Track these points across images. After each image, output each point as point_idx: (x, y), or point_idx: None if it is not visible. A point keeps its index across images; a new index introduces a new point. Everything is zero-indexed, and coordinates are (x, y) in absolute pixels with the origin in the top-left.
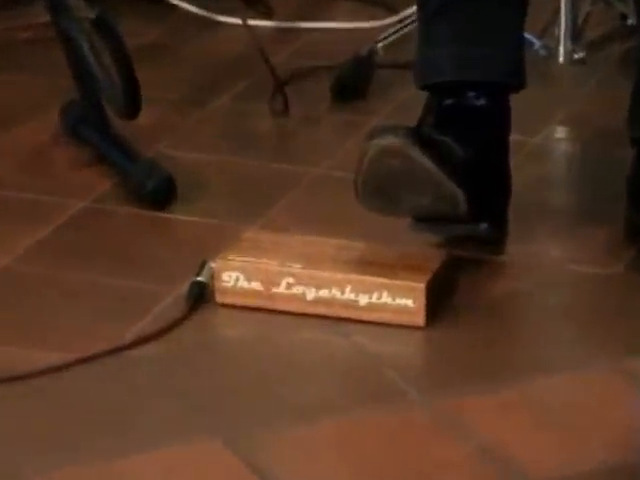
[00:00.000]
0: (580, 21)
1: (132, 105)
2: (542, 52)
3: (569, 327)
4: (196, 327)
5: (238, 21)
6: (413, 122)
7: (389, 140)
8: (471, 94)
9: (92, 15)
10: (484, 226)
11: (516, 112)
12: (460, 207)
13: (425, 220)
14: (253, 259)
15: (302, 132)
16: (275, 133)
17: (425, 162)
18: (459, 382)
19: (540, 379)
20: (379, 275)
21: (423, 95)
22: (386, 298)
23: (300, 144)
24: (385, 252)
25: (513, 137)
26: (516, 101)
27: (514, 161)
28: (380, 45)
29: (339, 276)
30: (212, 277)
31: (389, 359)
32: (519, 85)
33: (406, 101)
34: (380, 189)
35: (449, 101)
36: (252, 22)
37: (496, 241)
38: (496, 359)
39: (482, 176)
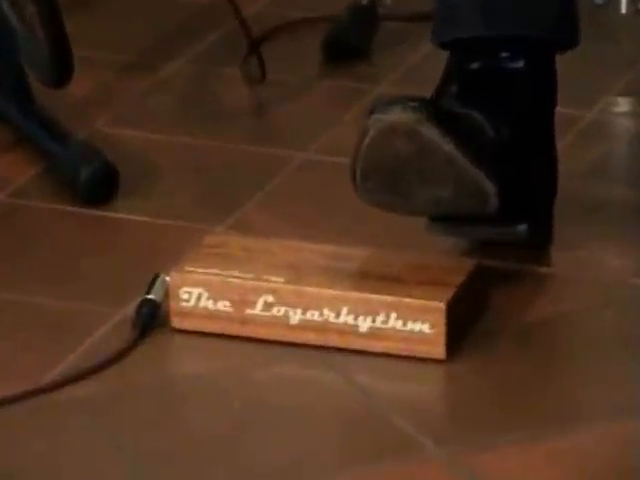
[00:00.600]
0: None
1: (61, 69)
2: (599, 0)
3: (629, 361)
4: (144, 361)
5: None
6: (428, 92)
7: (396, 115)
8: (505, 54)
9: None
10: (522, 228)
11: (564, 78)
12: (490, 203)
13: (444, 219)
14: (220, 271)
15: (284, 105)
16: (249, 106)
17: (444, 144)
18: (487, 432)
19: (586, 429)
20: (385, 292)
21: (442, 56)
22: (394, 322)
23: (281, 120)
24: (393, 262)
25: (560, 111)
26: (564, 63)
27: (561, 142)
28: None
29: (333, 293)
30: (167, 295)
31: (399, 403)
32: (568, 42)
33: (419, 64)
34: (385, 179)
35: (476, 64)
36: None
37: (538, 247)
38: (535, 402)
39: (519, 162)
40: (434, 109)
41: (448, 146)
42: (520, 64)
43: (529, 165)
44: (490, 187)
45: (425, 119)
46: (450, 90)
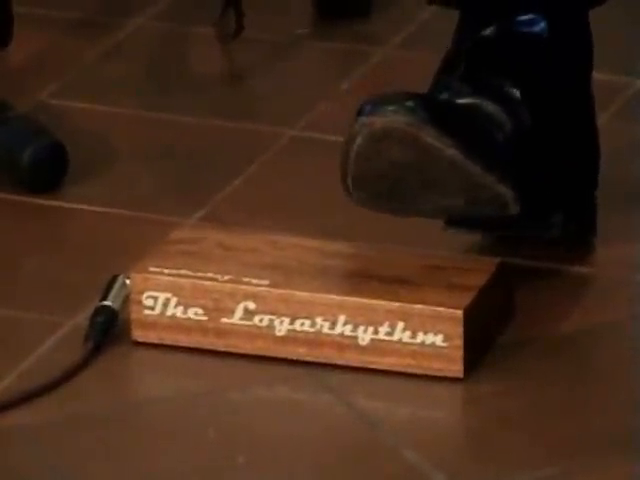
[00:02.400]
0: None
1: None
2: None
3: None
4: (99, 381)
5: None
6: (440, 55)
7: (388, 118)
8: (523, 17)
9: None
10: (556, 219)
11: (603, 39)
12: (509, 208)
13: (461, 223)
14: (191, 272)
15: (267, 71)
16: (224, 73)
17: (446, 149)
18: (511, 466)
19: (630, 463)
20: (390, 297)
21: (454, 13)
22: (402, 333)
23: (264, 90)
24: (399, 261)
25: (599, 78)
26: (602, 22)
27: (602, 116)
28: None
29: (327, 298)
30: (127, 301)
31: (407, 431)
32: None
33: (428, 21)
34: (380, 188)
35: (489, 30)
36: None
37: (577, 242)
38: (569, 431)
39: (546, 148)
40: (434, 107)
41: (451, 150)
42: (543, 27)
43: (560, 147)
44: (506, 191)
45: (423, 121)
46: (455, 71)
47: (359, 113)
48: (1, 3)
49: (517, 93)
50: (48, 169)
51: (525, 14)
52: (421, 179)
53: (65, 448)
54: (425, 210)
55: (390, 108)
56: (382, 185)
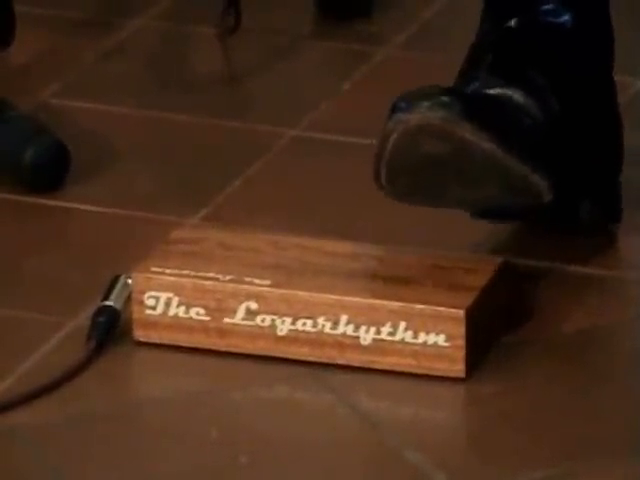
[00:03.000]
0: None
1: (1, 28)
2: None
3: None
4: (101, 381)
5: None
6: (443, 55)
7: (424, 115)
8: (547, 6)
9: None
10: (584, 207)
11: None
12: (543, 197)
13: (487, 213)
14: (193, 272)
15: (268, 71)
16: (225, 73)
17: (482, 142)
18: (514, 467)
19: (632, 465)
20: (392, 297)
21: (459, 12)
22: (404, 333)
23: (265, 90)
24: (401, 260)
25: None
26: (619, 13)
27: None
28: None
29: (329, 298)
30: (129, 301)
31: (409, 432)
32: None
33: (432, 21)
34: (415, 180)
35: (513, 21)
36: None
37: (603, 227)
38: (571, 432)
39: (575, 135)
40: (468, 100)
41: (486, 144)
42: (565, 16)
43: (587, 135)
44: (541, 181)
45: (458, 116)
46: (482, 63)
47: (393, 110)
48: (3, 3)
49: (545, 82)
50: (49, 169)
51: (548, 4)
52: (457, 171)
53: (67, 448)
54: (457, 203)
55: (425, 104)
56: (417, 178)
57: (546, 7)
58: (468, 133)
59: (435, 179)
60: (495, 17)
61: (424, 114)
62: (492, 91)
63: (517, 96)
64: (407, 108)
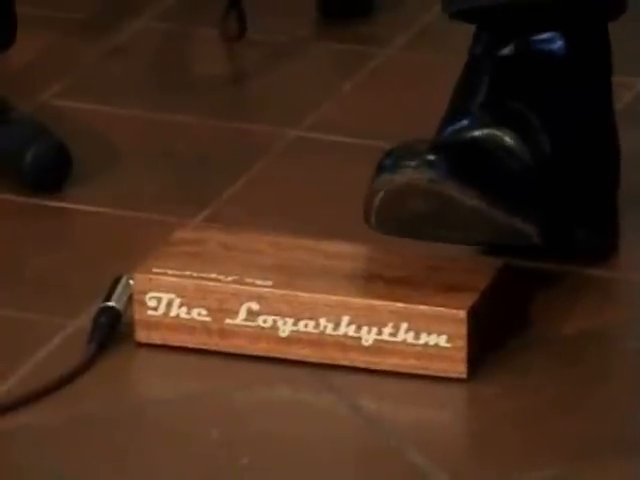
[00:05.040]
0: None
1: (2, 30)
2: None
3: None
4: (102, 382)
5: None
6: (444, 58)
7: (409, 176)
8: (543, 34)
9: None
10: (580, 235)
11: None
12: (533, 241)
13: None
14: (195, 272)
15: (270, 71)
16: (227, 74)
17: (467, 200)
18: (515, 467)
19: (632, 465)
20: (394, 298)
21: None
22: (405, 334)
23: (267, 91)
24: (403, 262)
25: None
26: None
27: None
28: None
29: (331, 299)
30: (130, 301)
31: (411, 432)
32: (617, 9)
33: (433, 23)
34: (404, 229)
35: (507, 49)
36: None
37: (600, 254)
38: (573, 432)
39: (569, 171)
40: (455, 156)
41: (473, 201)
42: (560, 44)
43: (582, 170)
44: (530, 229)
45: (444, 176)
46: (475, 96)
47: (380, 168)
48: (4, 4)
49: (537, 121)
50: (51, 170)
51: (544, 33)
52: (444, 224)
53: (68, 449)
54: (451, 242)
55: (411, 164)
56: (406, 226)
57: (542, 36)
58: (454, 192)
59: (424, 228)
60: (489, 39)
61: (409, 175)
62: (481, 132)
63: (507, 138)
64: (393, 168)
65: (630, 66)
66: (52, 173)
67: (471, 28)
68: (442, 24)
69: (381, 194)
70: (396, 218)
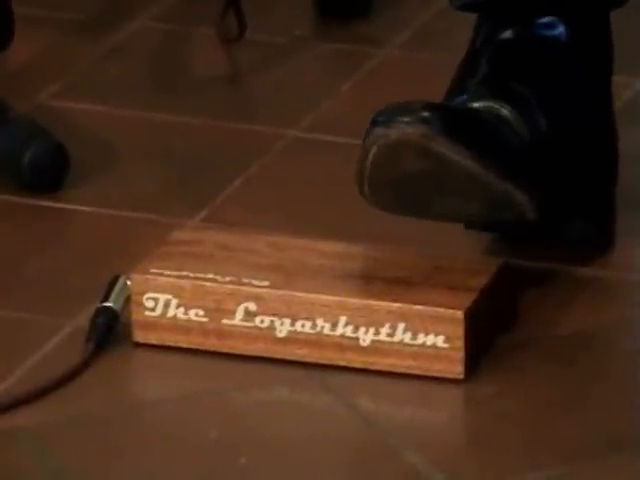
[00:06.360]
0: None
1: (0, 29)
2: None
3: None
4: (100, 383)
5: None
6: (443, 57)
7: (402, 130)
8: (543, 19)
9: None
10: (575, 223)
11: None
12: (526, 215)
13: (481, 225)
14: (192, 273)
15: (267, 72)
16: (225, 74)
17: (461, 159)
18: (511, 467)
19: (628, 465)
20: (391, 298)
21: (463, 15)
22: (403, 334)
23: (264, 91)
24: (401, 262)
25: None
26: (619, 12)
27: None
28: None
29: (328, 299)
30: (127, 302)
31: (408, 432)
32: None
33: (431, 22)
34: (397, 195)
35: (508, 33)
36: None
37: (597, 248)
38: (570, 432)
39: (564, 154)
40: (449, 115)
41: (467, 161)
42: (560, 30)
43: (578, 153)
44: (523, 198)
45: (438, 132)
46: (474, 75)
47: (373, 123)
48: (2, 4)
49: (534, 99)
50: (49, 170)
51: (544, 17)
52: (437, 187)
53: (66, 449)
54: (441, 215)
55: (405, 119)
56: (399, 192)
57: (542, 20)
58: (447, 150)
59: (417, 193)
60: (490, 27)
61: (403, 129)
62: (478, 104)
63: (504, 111)
64: (386, 122)
65: (629, 66)
66: (50, 173)
67: (470, 28)
68: (441, 24)
69: (374, 149)
70: (389, 182)
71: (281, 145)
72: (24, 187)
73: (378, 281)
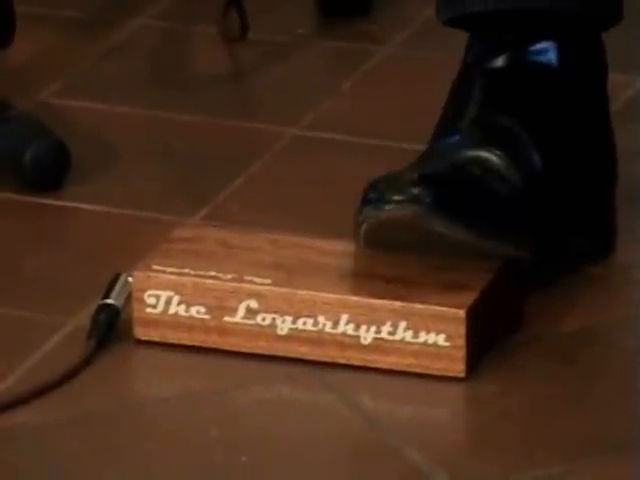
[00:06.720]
0: None
1: (1, 28)
2: None
3: None
4: (101, 380)
5: None
6: (442, 56)
7: (392, 212)
8: (536, 46)
9: None
10: (576, 243)
11: (609, 36)
12: (522, 257)
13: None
14: (193, 270)
15: (269, 70)
16: (227, 72)
17: (452, 234)
18: (513, 466)
19: (630, 463)
20: (392, 296)
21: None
22: (404, 332)
23: (266, 89)
24: (402, 260)
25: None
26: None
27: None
28: None
29: (330, 297)
30: (129, 299)
31: (410, 430)
32: (613, 18)
33: (432, 20)
34: (391, 250)
35: (500, 61)
36: None
37: (597, 255)
38: (572, 431)
39: (563, 194)
40: (440, 188)
41: (457, 233)
42: (554, 55)
43: (576, 183)
44: (517, 250)
45: (428, 210)
46: (465, 113)
47: (364, 201)
48: (3, 3)
49: (528, 136)
50: (50, 168)
51: (539, 43)
52: (430, 251)
53: (67, 447)
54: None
55: (395, 198)
56: (394, 251)
57: (535, 47)
58: (441, 227)
59: (412, 253)
60: (481, 49)
61: (394, 211)
62: (470, 153)
63: (495, 159)
64: (377, 202)
65: (629, 65)
66: (51, 171)
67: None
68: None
69: (365, 227)
70: (383, 244)
71: (282, 143)
72: (25, 185)
73: (380, 279)
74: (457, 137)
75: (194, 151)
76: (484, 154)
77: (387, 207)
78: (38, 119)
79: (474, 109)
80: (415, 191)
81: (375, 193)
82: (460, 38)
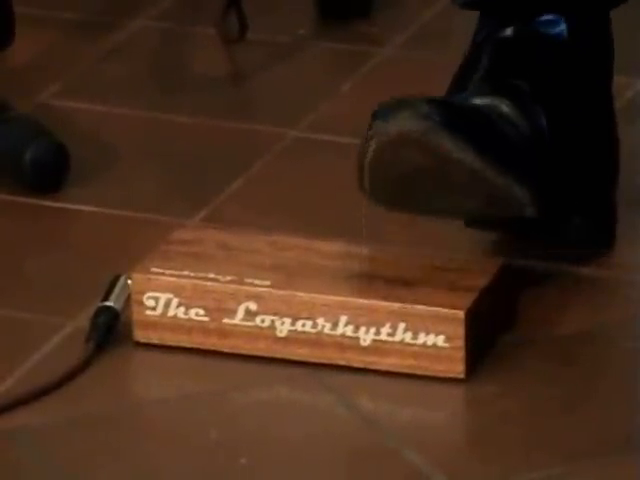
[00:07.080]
0: None
1: (0, 29)
2: None
3: None
4: (101, 382)
5: None
6: (443, 56)
7: (403, 124)
8: (544, 17)
9: None
10: (575, 222)
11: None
12: (527, 210)
13: (480, 223)
14: (193, 272)
15: (268, 71)
16: (226, 73)
17: (462, 154)
18: (513, 468)
19: (630, 465)
20: (392, 298)
21: (459, 13)
22: (403, 334)
23: (265, 90)
24: (401, 261)
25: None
26: (619, 12)
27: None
28: None
29: (329, 299)
30: (128, 301)
31: (409, 432)
32: None
33: (431, 22)
34: (397, 190)
35: (509, 31)
36: None
37: (597, 246)
38: (571, 432)
39: (565, 151)
40: (450, 111)
41: (467, 156)
42: (561, 27)
43: (578, 150)
44: (523, 194)
45: (438, 127)
46: (475, 72)
47: (374, 117)
48: (2, 4)
49: (534, 95)
50: (49, 170)
51: (546, 14)
52: (437, 182)
53: (67, 449)
54: (442, 211)
55: (405, 114)
56: (399, 188)
57: (544, 18)
58: (447, 144)
59: (417, 189)
60: (491, 25)
61: (402, 124)
62: (478, 100)
63: (504, 107)
64: (386, 117)
65: (629, 66)
66: (51, 173)
67: (470, 28)
68: (441, 24)
69: (373, 145)
70: (389, 177)
71: (281, 145)
72: (25, 187)
73: (379, 281)
74: (466, 92)
75: (193, 152)
76: (494, 102)
77: (396, 121)
78: (37, 120)
79: (482, 70)
80: (426, 109)
81: (384, 110)
82: (459, 40)
